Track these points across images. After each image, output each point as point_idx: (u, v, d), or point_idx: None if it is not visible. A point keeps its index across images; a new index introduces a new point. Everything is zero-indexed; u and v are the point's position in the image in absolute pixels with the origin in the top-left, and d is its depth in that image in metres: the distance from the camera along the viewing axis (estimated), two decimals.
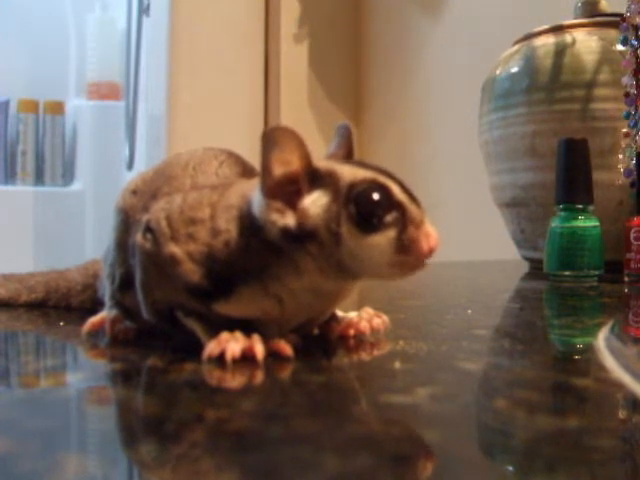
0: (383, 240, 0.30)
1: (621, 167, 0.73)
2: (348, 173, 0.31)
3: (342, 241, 0.30)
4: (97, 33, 1.99)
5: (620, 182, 0.73)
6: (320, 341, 0.36)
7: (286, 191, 0.31)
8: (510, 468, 0.20)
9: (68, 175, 2.00)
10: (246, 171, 0.38)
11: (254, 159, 0.34)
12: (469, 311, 0.50)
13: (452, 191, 1.35)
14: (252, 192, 0.32)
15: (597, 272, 0.68)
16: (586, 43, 0.79)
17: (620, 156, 0.73)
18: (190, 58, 1.52)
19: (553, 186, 0.71)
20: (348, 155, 0.35)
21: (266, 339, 0.31)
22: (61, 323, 0.45)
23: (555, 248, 0.69)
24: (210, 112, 1.53)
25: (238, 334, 0.31)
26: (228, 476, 0.19)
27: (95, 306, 0.43)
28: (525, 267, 0.87)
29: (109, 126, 1.91)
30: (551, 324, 0.49)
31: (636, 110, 0.72)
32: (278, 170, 0.30)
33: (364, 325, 0.36)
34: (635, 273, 0.67)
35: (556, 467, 0.19)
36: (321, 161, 0.32)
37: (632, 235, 0.68)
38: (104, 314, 0.38)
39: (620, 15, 0.74)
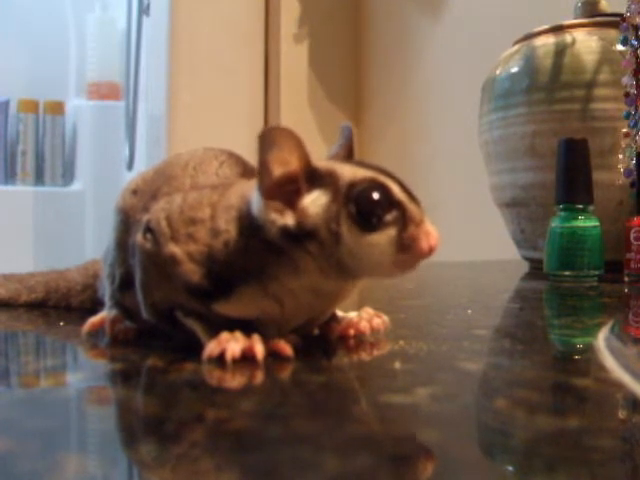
0: (383, 239, 0.30)
1: (621, 167, 0.73)
2: (348, 172, 0.31)
3: (342, 240, 0.30)
4: (97, 33, 1.99)
5: (620, 182, 0.73)
6: (320, 341, 0.36)
7: (285, 191, 0.31)
8: (510, 468, 0.20)
9: (68, 175, 2.00)
10: (246, 171, 0.38)
11: (254, 159, 0.34)
12: (469, 311, 0.50)
13: (452, 191, 1.35)
14: (252, 192, 0.32)
15: (597, 272, 0.68)
16: (586, 43, 0.79)
17: (620, 156, 0.73)
18: (190, 58, 1.52)
19: (553, 186, 0.71)
20: (349, 156, 0.35)
21: (266, 339, 0.31)
22: (61, 323, 0.45)
23: (555, 248, 0.69)
24: (210, 112, 1.54)
25: (238, 334, 0.31)
26: (228, 476, 0.19)
27: (95, 306, 0.43)
28: (525, 267, 0.87)
29: (109, 126, 1.91)
30: (551, 324, 0.49)
31: (636, 110, 0.72)
32: (277, 170, 0.30)
33: (364, 325, 0.36)
34: (635, 273, 0.67)
35: (556, 467, 0.19)
36: (320, 161, 0.32)
37: (632, 235, 0.68)
38: (104, 314, 0.38)
39: (620, 15, 0.74)
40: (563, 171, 0.70)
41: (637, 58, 0.72)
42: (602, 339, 0.35)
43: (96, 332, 0.38)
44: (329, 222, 0.30)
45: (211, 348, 0.30)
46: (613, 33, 0.76)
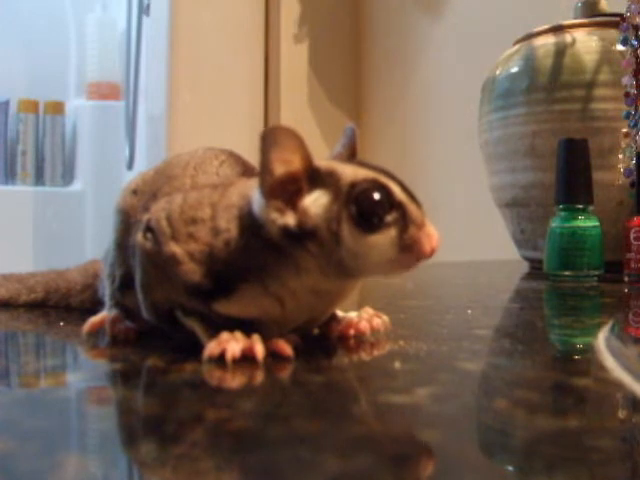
0: (383, 240, 0.30)
1: (621, 167, 0.73)
2: (349, 173, 0.31)
3: (342, 240, 0.30)
4: (97, 33, 1.99)
5: (620, 182, 0.73)
6: (320, 341, 0.36)
7: (286, 190, 0.31)
8: (510, 468, 0.20)
9: (68, 175, 2.00)
10: (246, 171, 0.38)
11: (254, 159, 0.34)
12: (469, 311, 0.50)
13: (452, 191, 1.35)
14: (253, 191, 0.32)
15: (597, 272, 0.68)
16: (586, 43, 0.79)
17: (620, 156, 0.73)
18: (190, 58, 1.52)
19: (553, 186, 0.71)
20: (352, 156, 0.35)
21: (266, 339, 0.31)
22: (61, 323, 0.45)
23: (555, 248, 0.69)
24: (210, 112, 1.54)
25: (238, 334, 0.31)
26: (228, 476, 0.19)
27: (95, 306, 0.43)
28: (525, 267, 0.87)
29: (109, 126, 1.91)
30: (551, 324, 0.49)
31: (636, 110, 0.72)
32: (279, 169, 0.30)
33: (364, 325, 0.36)
34: (635, 273, 0.67)
35: (556, 467, 0.19)
36: (322, 161, 0.32)
37: (632, 235, 0.68)
38: (104, 314, 0.38)
39: (620, 15, 0.74)
40: (563, 171, 0.70)
41: (637, 58, 0.72)
42: (602, 339, 0.35)
43: (96, 332, 0.38)
44: (330, 222, 0.30)
45: (211, 348, 0.30)
46: (613, 33, 0.76)
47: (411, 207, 0.31)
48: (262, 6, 1.61)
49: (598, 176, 0.71)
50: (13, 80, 1.95)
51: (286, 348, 0.31)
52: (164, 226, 0.33)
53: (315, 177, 0.31)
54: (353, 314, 0.37)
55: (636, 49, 0.72)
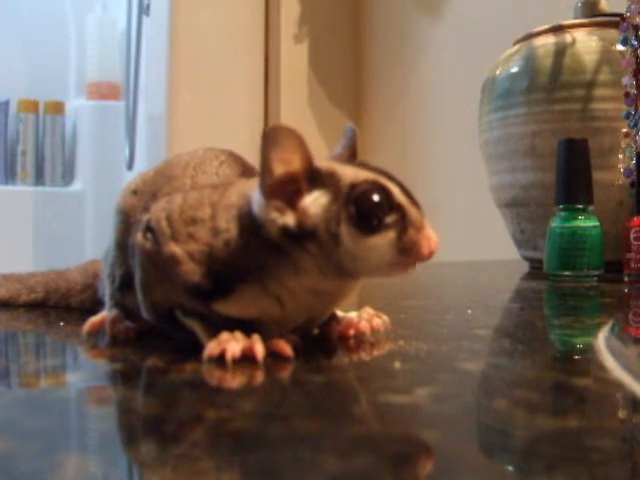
0: (382, 241, 0.30)
1: (621, 167, 0.73)
2: (349, 174, 0.31)
3: (341, 241, 0.30)
4: (97, 33, 1.99)
5: (620, 182, 0.73)
6: (320, 341, 0.36)
7: (286, 190, 0.31)
8: (510, 468, 0.20)
9: (68, 175, 2.00)
10: (246, 171, 0.38)
11: (254, 159, 0.34)
12: (469, 311, 0.50)
13: (452, 191, 1.35)
14: (252, 191, 0.32)
15: (597, 272, 0.68)
16: (586, 43, 0.79)
17: (620, 156, 0.73)
18: (190, 58, 1.52)
19: (553, 186, 0.71)
20: (352, 156, 0.35)
21: (266, 339, 0.31)
22: (61, 323, 0.45)
23: (555, 248, 0.69)
24: (210, 112, 1.53)
25: (238, 334, 0.31)
26: (228, 476, 0.19)
27: (95, 306, 0.43)
28: (525, 267, 0.87)
29: (109, 126, 1.91)
30: (551, 324, 0.49)
31: (636, 110, 0.72)
32: (279, 169, 0.30)
33: (364, 325, 0.36)
34: (635, 273, 0.67)
35: (556, 467, 0.19)
36: (322, 161, 0.32)
37: (632, 235, 0.68)
38: (104, 314, 0.38)
39: (620, 15, 0.74)
40: (563, 171, 0.70)
41: (637, 58, 0.72)
42: (602, 339, 0.35)
43: (96, 332, 0.38)
44: (329, 223, 0.30)
45: (211, 348, 0.30)
46: (613, 33, 0.76)
47: (411, 209, 0.31)
48: (262, 6, 1.61)
49: (598, 176, 0.71)
50: (13, 80, 1.95)
51: (286, 348, 0.31)
52: (164, 226, 0.33)
53: (315, 177, 0.31)
54: (353, 314, 0.37)
55: (636, 49, 0.72)
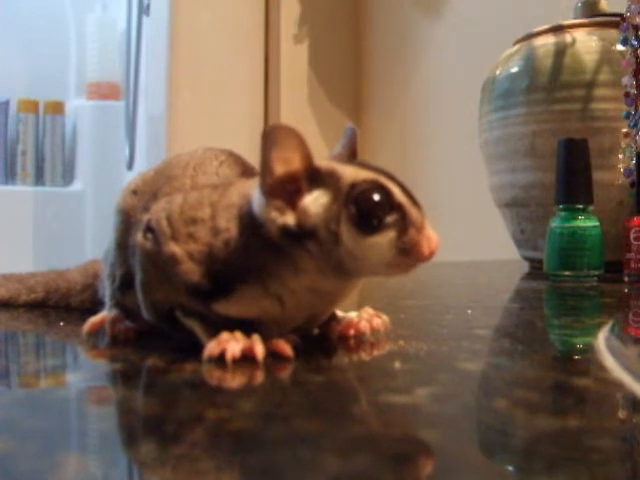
0: (382, 241, 0.30)
1: (621, 167, 0.73)
2: (349, 173, 0.31)
3: (341, 241, 0.30)
4: (97, 33, 1.99)
5: (620, 182, 0.73)
6: (320, 341, 0.36)
7: (286, 190, 0.31)
8: (510, 468, 0.20)
9: (68, 175, 2.00)
10: (246, 171, 0.38)
11: (254, 159, 0.34)
12: (469, 311, 0.50)
13: (452, 191, 1.35)
14: (252, 191, 0.32)
15: (597, 272, 0.68)
16: (586, 43, 0.79)
17: (620, 156, 0.73)
18: (190, 58, 1.52)
19: (553, 186, 0.71)
20: (352, 156, 0.35)
21: (266, 339, 0.31)
22: (61, 323, 0.45)
23: (555, 248, 0.69)
24: (210, 112, 1.53)
25: (238, 334, 0.31)
26: (228, 476, 0.19)
27: (95, 306, 0.43)
28: (525, 267, 0.87)
29: (109, 126, 1.91)
30: (551, 324, 0.49)
31: (636, 110, 0.72)
32: (279, 169, 0.30)
33: (364, 325, 0.36)
34: (635, 273, 0.67)
35: (556, 467, 0.19)
36: (322, 161, 0.32)
37: (632, 235, 0.68)
38: (104, 314, 0.38)
39: (620, 15, 0.74)
40: (563, 171, 0.70)
41: (637, 58, 0.72)
42: (602, 339, 0.35)
43: (96, 332, 0.38)
44: (329, 222, 0.30)
45: (211, 348, 0.30)
46: (613, 33, 0.76)
47: (411, 209, 0.31)
48: (262, 6, 1.61)
49: (598, 176, 0.71)
50: (13, 80, 1.95)
51: (286, 348, 0.31)
52: (164, 226, 0.33)
53: (315, 177, 0.31)
54: (353, 314, 0.37)
55: (636, 49, 0.72)
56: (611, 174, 0.74)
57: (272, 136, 0.30)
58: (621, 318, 0.48)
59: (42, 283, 0.50)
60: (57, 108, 1.98)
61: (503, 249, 0.94)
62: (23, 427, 0.22)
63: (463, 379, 0.29)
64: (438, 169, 1.42)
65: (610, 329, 0.38)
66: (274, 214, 0.30)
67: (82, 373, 0.34)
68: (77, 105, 2.00)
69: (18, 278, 0.51)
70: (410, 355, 0.33)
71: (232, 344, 0.30)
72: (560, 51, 0.79)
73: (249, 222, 0.31)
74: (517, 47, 0.86)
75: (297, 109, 1.59)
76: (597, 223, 0.68)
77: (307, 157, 0.31)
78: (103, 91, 1.97)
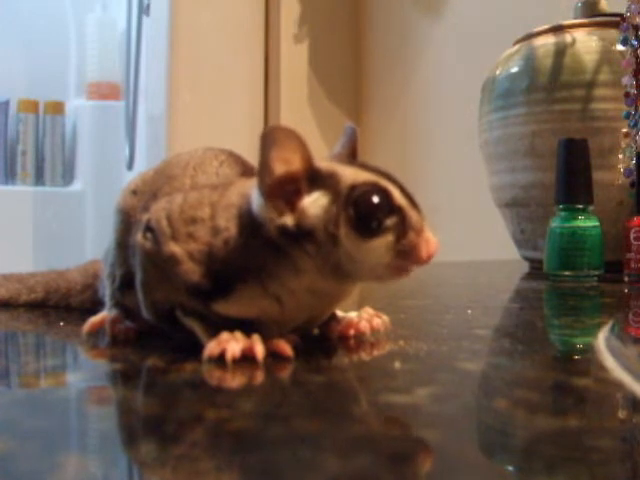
0: (381, 244, 0.30)
1: (621, 167, 0.73)
2: (349, 175, 0.31)
3: (339, 243, 0.30)
4: (97, 33, 1.99)
5: (620, 182, 0.73)
6: (320, 341, 0.36)
7: (286, 190, 0.31)
8: (510, 468, 0.20)
9: (68, 175, 2.00)
10: (246, 171, 0.38)
11: (254, 159, 0.34)
12: (469, 311, 0.50)
13: (452, 191, 1.35)
14: (252, 190, 0.32)
15: (597, 272, 0.68)
16: (586, 43, 0.79)
17: (620, 156, 0.73)
18: (190, 58, 1.52)
19: (553, 186, 0.71)
20: (352, 156, 0.35)
21: (266, 339, 0.31)
22: (61, 323, 0.45)
23: (555, 248, 0.69)
24: (210, 112, 1.53)
25: (238, 334, 0.31)
26: (228, 476, 0.19)
27: (95, 306, 0.43)
28: (525, 267, 0.87)
29: (109, 126, 1.91)
30: (551, 324, 0.49)
31: (636, 110, 0.72)
32: (279, 168, 0.30)
33: (364, 325, 0.36)
34: (635, 273, 0.67)
35: (556, 467, 0.19)
36: (323, 162, 0.32)
37: (632, 235, 0.68)
38: (104, 314, 0.38)
39: (620, 15, 0.74)
40: (563, 171, 0.70)
41: (637, 58, 0.72)
42: (602, 339, 0.35)
43: (96, 332, 0.38)
44: (328, 224, 0.30)
45: (211, 348, 0.30)
46: (613, 33, 0.76)
47: (411, 212, 0.31)
48: (262, 6, 1.61)
49: (598, 176, 0.71)
50: (13, 80, 1.95)
51: (286, 348, 0.31)
52: (164, 226, 0.33)
53: (315, 178, 0.31)
54: (353, 314, 0.37)
55: (636, 49, 0.72)
56: (611, 174, 0.74)
57: (272, 136, 0.30)
58: (621, 318, 0.48)
59: (42, 283, 0.50)
60: (57, 108, 1.98)
61: (503, 249, 0.94)
62: (23, 427, 0.22)
63: (463, 379, 0.29)
64: (438, 169, 1.41)
65: (610, 329, 0.38)
66: (273, 214, 0.30)
67: (82, 373, 0.34)
68: (77, 105, 2.00)
69: (18, 278, 0.51)
70: (410, 355, 0.33)
71: (232, 344, 0.30)
72: (560, 51, 0.79)
73: (248, 222, 0.31)
74: (517, 47, 0.86)
75: (297, 109, 1.59)
76: (597, 223, 0.68)
77: (307, 158, 0.31)
78: (103, 91, 1.97)
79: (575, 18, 0.84)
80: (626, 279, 0.68)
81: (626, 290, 0.65)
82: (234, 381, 0.29)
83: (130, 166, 1.69)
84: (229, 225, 0.32)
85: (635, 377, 0.28)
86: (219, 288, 0.31)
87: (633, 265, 0.68)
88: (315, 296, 0.32)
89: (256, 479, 0.18)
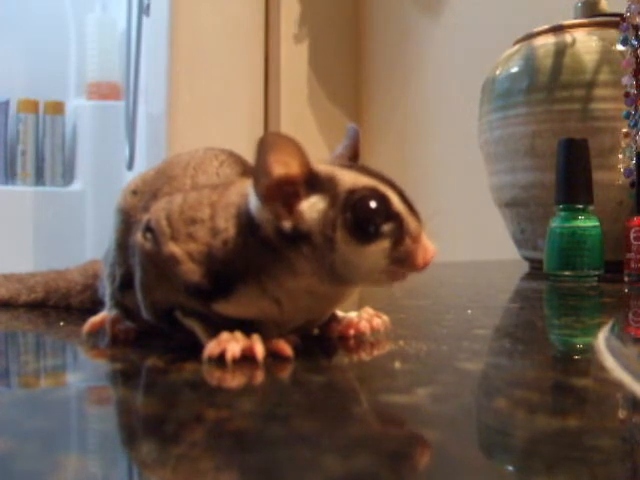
0: (377, 249, 0.30)
1: (621, 167, 0.73)
2: (348, 179, 0.31)
3: (336, 247, 0.30)
4: (97, 33, 1.99)
5: (620, 182, 0.73)
6: (320, 341, 0.36)
7: (283, 193, 0.31)
8: (510, 468, 0.20)
9: (68, 175, 2.00)
10: (246, 171, 0.38)
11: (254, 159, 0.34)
12: (469, 311, 0.50)
13: (452, 191, 1.35)
14: (250, 191, 0.32)
15: (597, 272, 0.68)
16: (586, 43, 0.79)
17: (620, 156, 0.73)
18: (190, 58, 1.52)
19: (553, 186, 0.71)
20: (354, 157, 0.35)
21: (266, 339, 0.31)
22: (61, 323, 0.45)
23: (555, 248, 0.69)
24: (210, 112, 1.53)
25: (238, 334, 0.31)
26: (228, 476, 0.19)
27: (95, 306, 0.43)
28: (525, 267, 0.87)
29: (109, 126, 1.91)
30: (551, 324, 0.49)
31: (636, 110, 0.72)
32: (277, 170, 0.30)
33: (364, 325, 0.36)
34: (635, 273, 0.67)
35: (556, 467, 0.19)
36: (322, 165, 0.32)
37: (632, 235, 0.68)
38: (104, 314, 0.38)
39: (620, 15, 0.74)
40: (563, 171, 0.70)
41: (637, 58, 0.72)
42: (602, 339, 0.35)
43: (96, 332, 0.38)
44: (325, 227, 0.30)
45: (211, 348, 0.30)
46: (613, 33, 0.76)
47: (408, 218, 0.31)
48: (262, 6, 1.61)
49: (598, 176, 0.71)
50: (13, 80, 1.95)
51: (286, 348, 0.31)
52: (164, 226, 0.33)
53: (314, 182, 0.31)
54: (353, 314, 0.37)
55: (636, 49, 0.72)
56: (611, 174, 0.74)
57: (270, 141, 0.30)
58: (621, 318, 0.48)
59: (42, 283, 0.50)
60: (57, 108, 1.98)
61: (503, 249, 0.94)
62: (23, 427, 0.22)
63: (463, 379, 0.29)
64: (438, 169, 1.42)
65: (610, 329, 0.38)
66: (269, 217, 0.30)
67: (82, 373, 0.34)
68: (77, 105, 2.00)
69: (18, 278, 0.51)
70: (410, 355, 0.33)
71: (232, 344, 0.30)
72: (560, 51, 0.79)
73: (247, 221, 0.31)
74: (517, 47, 0.86)
75: (297, 109, 1.59)
76: (597, 223, 0.68)
77: (305, 163, 0.31)
78: (103, 91, 1.97)
79: (575, 18, 0.84)
80: (626, 279, 0.68)
81: (626, 290, 0.65)
82: (234, 381, 0.29)
83: (130, 166, 1.69)
84: (228, 225, 0.32)
85: (635, 377, 0.28)
86: (219, 288, 0.32)
87: (633, 265, 0.68)
88: (314, 298, 0.32)
89: (256, 479, 0.18)
